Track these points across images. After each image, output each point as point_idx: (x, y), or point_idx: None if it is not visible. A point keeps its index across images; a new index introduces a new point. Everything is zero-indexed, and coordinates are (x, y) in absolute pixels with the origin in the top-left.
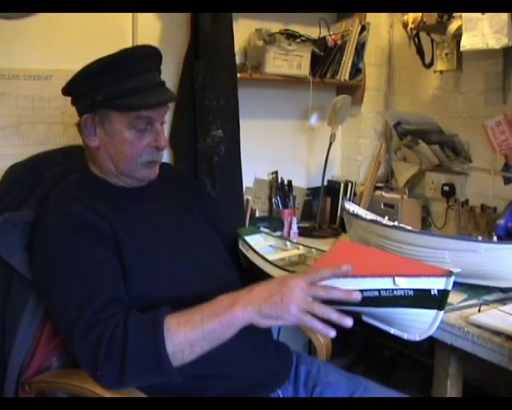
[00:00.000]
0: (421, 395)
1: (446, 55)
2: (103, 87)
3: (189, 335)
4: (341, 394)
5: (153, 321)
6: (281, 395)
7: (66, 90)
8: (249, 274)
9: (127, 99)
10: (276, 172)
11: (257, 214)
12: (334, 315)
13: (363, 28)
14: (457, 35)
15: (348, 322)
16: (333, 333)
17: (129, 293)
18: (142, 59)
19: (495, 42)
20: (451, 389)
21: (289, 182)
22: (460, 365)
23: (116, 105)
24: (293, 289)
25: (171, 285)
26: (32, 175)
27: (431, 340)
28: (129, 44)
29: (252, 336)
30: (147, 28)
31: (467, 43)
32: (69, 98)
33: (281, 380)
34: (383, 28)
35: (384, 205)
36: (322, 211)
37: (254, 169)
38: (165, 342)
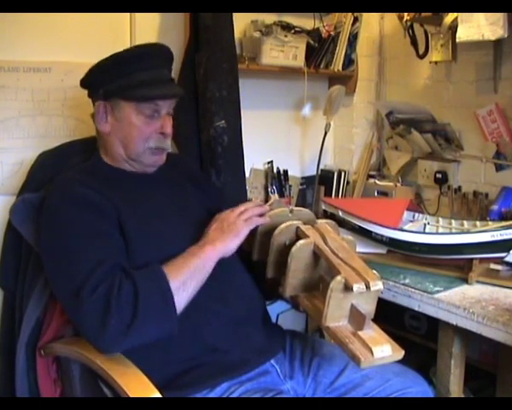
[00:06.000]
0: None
1: (441, 46)
2: (117, 79)
3: (181, 274)
4: (337, 365)
5: (153, 269)
6: (276, 367)
7: (84, 83)
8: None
9: (137, 90)
10: (272, 162)
11: None
12: (262, 208)
13: (356, 19)
14: (453, 26)
15: (266, 207)
16: (267, 219)
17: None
18: (153, 56)
19: (490, 33)
20: (455, 369)
21: (285, 171)
22: (463, 345)
23: (127, 95)
24: (228, 216)
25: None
26: (56, 162)
27: (430, 322)
28: (127, 36)
29: (245, 318)
30: (145, 20)
31: (462, 34)
32: (68, 91)
33: (273, 352)
34: (374, 19)
35: (378, 193)
36: (316, 200)
37: (250, 159)
38: (169, 282)
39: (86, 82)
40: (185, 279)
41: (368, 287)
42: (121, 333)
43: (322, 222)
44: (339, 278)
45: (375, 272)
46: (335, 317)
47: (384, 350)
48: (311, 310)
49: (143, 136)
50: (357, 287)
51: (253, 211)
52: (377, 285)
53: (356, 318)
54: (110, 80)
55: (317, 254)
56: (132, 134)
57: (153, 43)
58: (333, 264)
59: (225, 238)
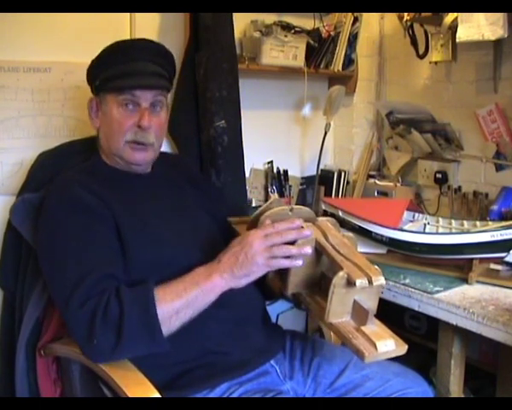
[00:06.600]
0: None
1: (441, 46)
2: (102, 72)
3: (176, 303)
4: (337, 365)
5: (144, 291)
6: (276, 367)
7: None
8: None
9: (116, 81)
10: (272, 162)
11: (253, 204)
12: (294, 250)
13: (356, 19)
14: (453, 26)
15: (308, 250)
16: (299, 262)
17: (128, 272)
18: (137, 49)
19: (490, 33)
20: (455, 369)
21: (285, 171)
22: (463, 345)
23: (107, 87)
24: (253, 244)
25: (169, 265)
26: (56, 162)
27: (430, 322)
28: (127, 35)
29: (245, 319)
30: (145, 20)
31: (462, 34)
32: (68, 91)
33: (273, 352)
34: (374, 19)
35: (377, 193)
36: (316, 200)
37: (250, 159)
38: (157, 309)
39: (87, 79)
40: (180, 309)
41: (370, 282)
42: (107, 352)
43: (322, 219)
44: (341, 273)
45: (376, 267)
46: (338, 313)
47: (387, 345)
48: (313, 307)
49: (122, 129)
50: (360, 282)
51: (289, 250)
52: (379, 280)
53: (359, 313)
54: (98, 74)
55: (318, 251)
56: (112, 127)
57: (139, 38)
58: (335, 260)
59: (236, 273)
